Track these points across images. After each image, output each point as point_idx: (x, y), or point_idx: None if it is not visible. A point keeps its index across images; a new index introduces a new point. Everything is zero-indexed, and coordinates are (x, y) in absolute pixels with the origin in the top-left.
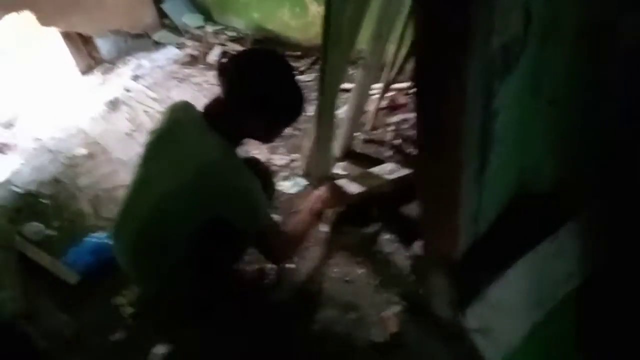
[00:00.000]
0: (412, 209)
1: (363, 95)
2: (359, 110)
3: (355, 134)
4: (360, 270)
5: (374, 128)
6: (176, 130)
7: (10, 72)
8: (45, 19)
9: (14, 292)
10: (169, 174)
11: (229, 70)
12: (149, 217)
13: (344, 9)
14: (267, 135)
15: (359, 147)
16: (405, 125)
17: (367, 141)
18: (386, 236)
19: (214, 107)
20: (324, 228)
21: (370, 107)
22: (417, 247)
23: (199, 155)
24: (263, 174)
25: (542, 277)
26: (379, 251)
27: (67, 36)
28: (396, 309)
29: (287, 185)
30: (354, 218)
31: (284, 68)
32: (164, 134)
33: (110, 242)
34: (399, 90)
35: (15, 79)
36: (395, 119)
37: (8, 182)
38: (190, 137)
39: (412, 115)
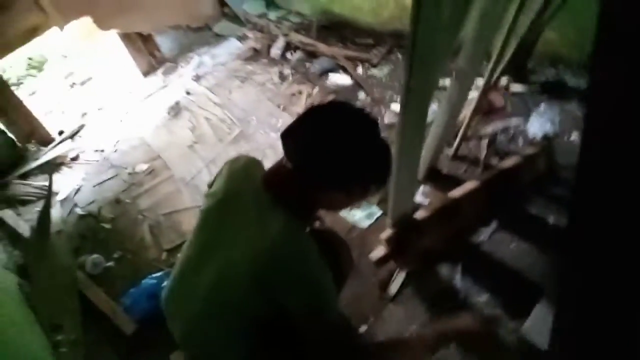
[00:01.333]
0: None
1: (455, 109)
2: (449, 126)
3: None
4: None
5: (465, 139)
6: (234, 203)
7: (73, 80)
8: (103, 22)
9: (73, 336)
10: (224, 257)
11: (295, 134)
12: (202, 308)
13: None
14: (345, 206)
15: (445, 166)
16: (504, 137)
17: (456, 157)
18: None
19: (278, 175)
20: None
21: (463, 113)
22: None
23: (258, 240)
24: (337, 251)
25: None
26: None
27: (126, 37)
28: None
29: (359, 216)
30: None
31: (364, 129)
32: (221, 206)
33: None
34: (496, 89)
35: (80, 87)
36: (490, 128)
37: (71, 201)
38: (249, 215)
39: (512, 123)
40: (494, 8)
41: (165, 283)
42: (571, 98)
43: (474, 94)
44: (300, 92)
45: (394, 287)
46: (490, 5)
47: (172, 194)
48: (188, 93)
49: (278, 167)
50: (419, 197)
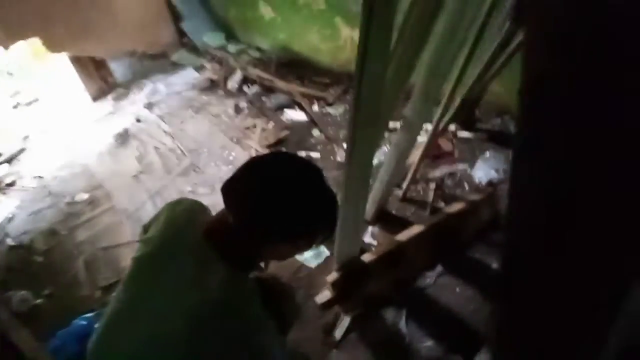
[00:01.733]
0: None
1: (403, 154)
2: (397, 170)
3: (390, 192)
4: None
5: (413, 181)
6: (171, 253)
7: (18, 99)
8: (53, 45)
9: None
10: (156, 314)
11: (237, 188)
12: None
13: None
14: (291, 256)
15: (394, 207)
16: (451, 181)
17: (405, 199)
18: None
19: (220, 227)
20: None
21: (412, 156)
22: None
23: (195, 295)
24: (281, 300)
25: None
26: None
27: (77, 60)
28: None
29: (307, 256)
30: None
31: (309, 179)
32: (156, 256)
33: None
34: (444, 135)
35: (25, 107)
36: (438, 172)
37: (2, 229)
38: (187, 268)
39: (459, 168)
40: (442, 61)
41: (96, 325)
42: None
43: (423, 138)
44: (254, 126)
45: (338, 332)
46: (438, 58)
47: (113, 227)
48: (138, 120)
49: (220, 218)
50: (367, 238)
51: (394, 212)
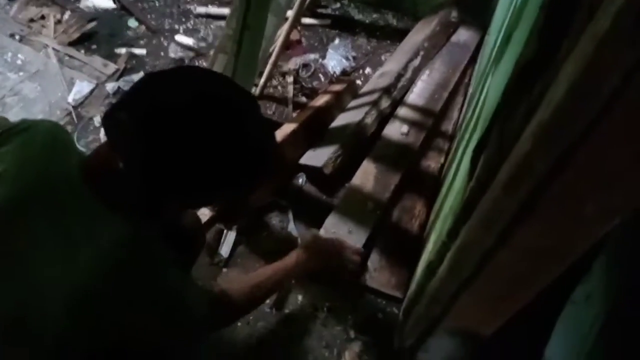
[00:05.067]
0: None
1: (268, 46)
2: (260, 64)
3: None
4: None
5: (270, 79)
6: (35, 200)
7: None
8: None
9: None
10: (22, 285)
11: (124, 126)
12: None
13: None
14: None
15: None
16: (305, 73)
17: (263, 97)
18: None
19: (103, 171)
20: None
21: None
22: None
23: (83, 257)
24: (189, 233)
25: (574, 328)
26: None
27: None
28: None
29: None
30: None
31: (234, 110)
32: (13, 209)
33: None
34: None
35: None
36: (291, 65)
37: None
38: (61, 223)
39: (311, 58)
40: None
41: None
42: (360, 32)
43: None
44: (43, 17)
45: (225, 250)
46: None
47: None
48: None
49: (104, 157)
50: None
51: None
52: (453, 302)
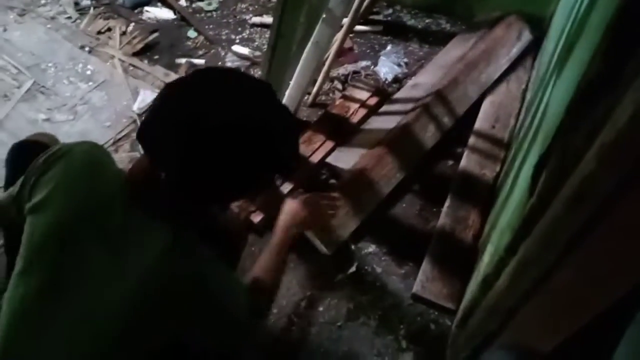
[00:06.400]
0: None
1: (322, 53)
2: (314, 72)
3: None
4: (348, 305)
5: (321, 87)
6: (85, 221)
7: None
8: None
9: None
10: (83, 300)
11: (158, 136)
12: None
13: None
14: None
15: (304, 113)
16: (356, 80)
17: (315, 104)
18: (368, 249)
19: (146, 183)
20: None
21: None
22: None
23: (136, 271)
24: (232, 236)
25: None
26: (363, 271)
27: None
28: (407, 356)
29: None
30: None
31: (262, 107)
32: (65, 227)
33: None
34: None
35: None
36: (342, 70)
37: None
38: (115, 236)
39: (363, 64)
40: None
41: None
42: (412, 38)
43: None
44: (109, 29)
45: None
46: None
47: None
48: None
49: (144, 168)
50: None
51: (305, 118)
52: (511, 317)
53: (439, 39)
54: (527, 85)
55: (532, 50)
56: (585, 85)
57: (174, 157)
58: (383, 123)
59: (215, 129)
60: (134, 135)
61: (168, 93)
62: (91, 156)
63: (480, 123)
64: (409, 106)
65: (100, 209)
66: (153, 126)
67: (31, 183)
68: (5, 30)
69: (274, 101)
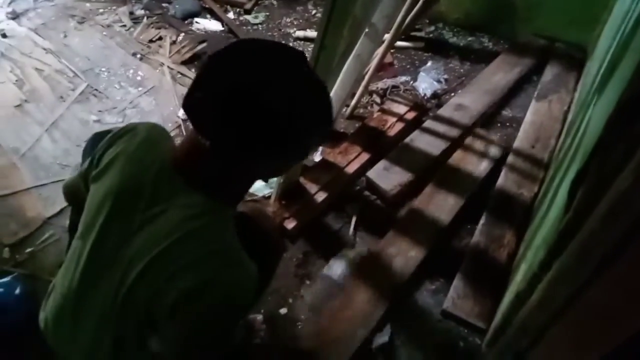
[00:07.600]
0: None
1: (363, 67)
2: (355, 85)
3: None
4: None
5: (360, 100)
6: (137, 194)
7: None
8: None
9: None
10: (127, 270)
11: (202, 104)
12: (100, 338)
13: None
14: (283, 173)
15: (342, 125)
16: (394, 94)
17: (352, 116)
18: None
19: (193, 155)
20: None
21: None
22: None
23: (177, 242)
24: (265, 237)
25: None
26: None
27: None
28: None
29: (257, 185)
30: None
31: (294, 71)
32: (118, 200)
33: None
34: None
35: None
36: (381, 84)
37: None
38: (160, 210)
39: (402, 79)
40: None
41: (18, 291)
42: (453, 55)
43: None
44: (160, 38)
45: None
46: None
47: (4, 171)
48: (4, 36)
49: (191, 143)
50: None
51: (342, 130)
52: (542, 335)
53: (481, 57)
54: (569, 107)
55: (576, 71)
56: (625, 102)
57: (218, 123)
58: (427, 145)
59: (255, 95)
60: (179, 140)
61: (211, 62)
62: (149, 131)
63: (519, 142)
64: (454, 131)
65: (149, 176)
66: (197, 95)
67: (97, 156)
68: (65, 36)
69: (305, 68)
